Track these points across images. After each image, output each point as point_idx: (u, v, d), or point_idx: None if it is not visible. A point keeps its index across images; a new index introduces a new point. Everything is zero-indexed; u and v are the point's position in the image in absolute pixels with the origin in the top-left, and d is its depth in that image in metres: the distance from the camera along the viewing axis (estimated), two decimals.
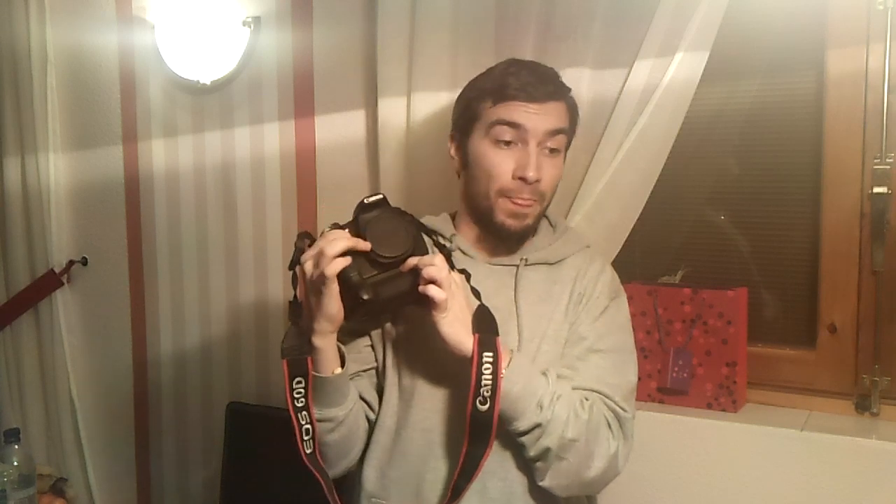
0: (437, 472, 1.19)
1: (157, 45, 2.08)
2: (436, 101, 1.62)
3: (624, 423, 1.18)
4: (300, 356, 1.12)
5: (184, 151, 2.13)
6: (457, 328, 1.10)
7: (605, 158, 1.51)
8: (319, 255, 1.08)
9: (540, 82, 1.19)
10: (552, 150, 1.20)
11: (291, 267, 1.15)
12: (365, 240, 1.10)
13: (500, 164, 1.19)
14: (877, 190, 1.45)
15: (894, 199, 1.45)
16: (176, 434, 2.23)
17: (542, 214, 1.27)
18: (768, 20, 1.56)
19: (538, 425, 1.11)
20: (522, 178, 1.17)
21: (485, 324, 1.11)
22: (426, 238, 1.18)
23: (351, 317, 1.12)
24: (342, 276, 1.08)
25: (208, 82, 2.03)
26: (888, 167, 1.44)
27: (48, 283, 2.29)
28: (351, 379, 1.21)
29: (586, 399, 1.16)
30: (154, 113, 2.16)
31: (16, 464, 1.64)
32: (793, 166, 1.59)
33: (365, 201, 1.14)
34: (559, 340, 1.22)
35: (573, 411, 1.13)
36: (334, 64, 1.89)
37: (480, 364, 1.08)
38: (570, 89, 1.26)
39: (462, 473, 1.11)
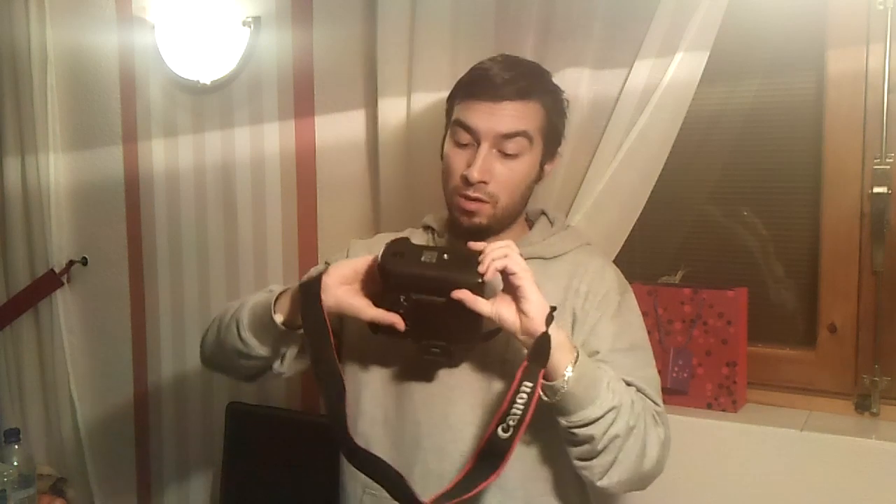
0: (425, 464, 1.19)
1: (157, 45, 2.08)
2: (436, 101, 1.62)
3: (660, 416, 1.17)
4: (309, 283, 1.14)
5: (184, 151, 2.13)
6: (540, 303, 1.06)
7: (605, 158, 1.50)
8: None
9: (505, 81, 1.18)
10: (508, 155, 1.20)
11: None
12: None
13: (456, 164, 1.21)
14: (877, 190, 1.45)
15: (894, 199, 1.45)
16: (176, 434, 2.23)
17: (507, 214, 1.24)
18: (768, 20, 1.55)
19: (613, 408, 1.07)
20: (466, 178, 1.18)
21: (539, 352, 1.06)
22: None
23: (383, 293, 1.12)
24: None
25: (208, 82, 2.03)
26: (888, 167, 1.44)
27: (48, 283, 2.29)
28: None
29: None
30: (154, 113, 2.16)
31: (16, 464, 1.64)
32: (793, 166, 1.59)
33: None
34: None
35: (631, 396, 1.12)
36: (334, 64, 1.89)
37: (517, 392, 1.04)
38: (551, 89, 1.24)
39: (454, 490, 1.07)
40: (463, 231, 1.23)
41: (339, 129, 1.89)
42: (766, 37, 1.57)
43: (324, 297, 1.11)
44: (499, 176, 1.19)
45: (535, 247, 1.26)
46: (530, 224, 1.35)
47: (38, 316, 2.33)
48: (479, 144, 1.19)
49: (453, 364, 1.17)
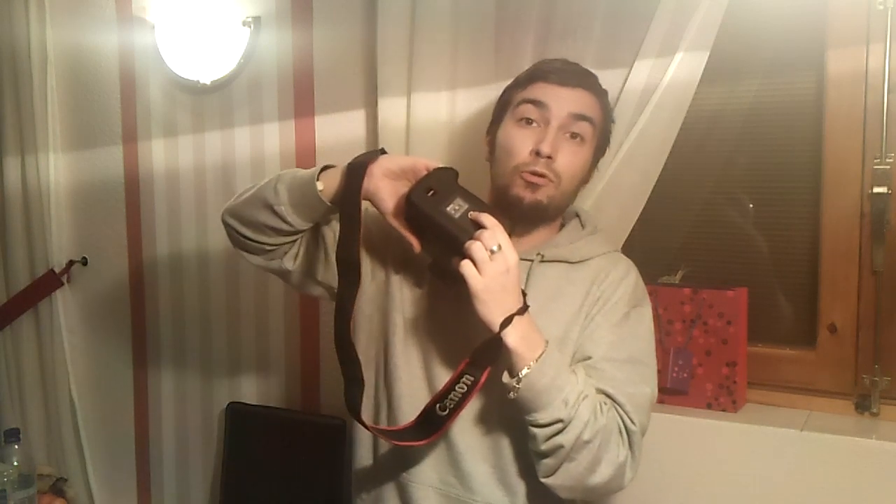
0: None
1: (157, 45, 2.08)
2: (436, 101, 1.62)
3: (631, 435, 1.15)
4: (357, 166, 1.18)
5: (184, 151, 2.13)
6: (489, 309, 1.08)
7: (605, 158, 1.49)
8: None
9: (572, 72, 1.23)
10: (574, 135, 1.22)
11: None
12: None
13: (521, 141, 1.22)
14: (877, 190, 1.45)
15: (894, 199, 1.45)
16: (176, 434, 2.23)
17: (560, 203, 1.25)
18: (768, 20, 1.56)
19: (559, 420, 1.08)
20: (537, 152, 1.19)
21: (482, 353, 1.11)
22: None
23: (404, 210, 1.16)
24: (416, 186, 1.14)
25: (208, 82, 2.03)
26: (888, 167, 1.44)
27: (48, 283, 2.29)
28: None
29: (604, 403, 1.14)
30: (154, 113, 2.16)
31: (16, 464, 1.64)
32: (793, 166, 1.59)
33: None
34: (566, 342, 1.20)
35: (594, 413, 1.10)
36: (334, 64, 1.89)
37: (457, 381, 1.12)
38: (605, 91, 1.29)
39: (388, 432, 1.19)
40: (518, 214, 1.23)
41: (339, 129, 1.89)
42: (766, 37, 1.57)
43: (366, 182, 1.16)
44: (563, 157, 1.21)
45: (560, 249, 1.26)
46: (560, 225, 1.34)
47: (38, 316, 2.33)
48: (547, 124, 1.21)
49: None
